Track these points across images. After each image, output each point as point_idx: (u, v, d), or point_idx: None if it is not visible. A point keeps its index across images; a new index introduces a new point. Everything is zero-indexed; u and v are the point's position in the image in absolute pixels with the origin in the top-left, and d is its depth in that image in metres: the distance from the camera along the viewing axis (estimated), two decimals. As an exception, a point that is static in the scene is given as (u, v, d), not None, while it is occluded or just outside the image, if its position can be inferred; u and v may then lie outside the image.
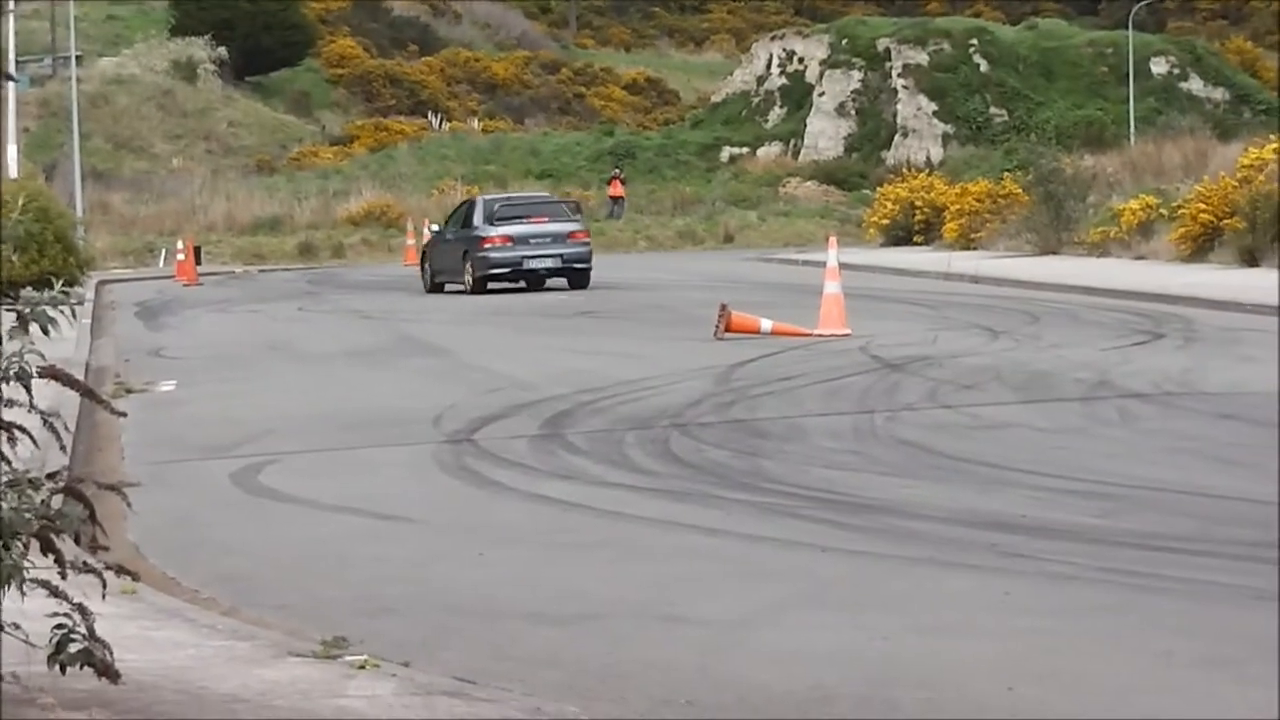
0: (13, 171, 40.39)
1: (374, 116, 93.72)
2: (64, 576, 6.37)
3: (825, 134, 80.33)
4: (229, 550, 11.38)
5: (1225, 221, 35.04)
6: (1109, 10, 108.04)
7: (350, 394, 20.00)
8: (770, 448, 14.47)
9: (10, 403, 6.49)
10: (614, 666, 8.00)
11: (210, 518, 12.63)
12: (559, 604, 9.32)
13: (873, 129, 79.87)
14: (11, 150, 41.89)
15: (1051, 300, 30.11)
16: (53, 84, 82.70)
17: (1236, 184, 35.63)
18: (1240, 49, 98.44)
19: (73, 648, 6.37)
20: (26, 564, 6.33)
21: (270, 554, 11.16)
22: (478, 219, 38.50)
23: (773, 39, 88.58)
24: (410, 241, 54.22)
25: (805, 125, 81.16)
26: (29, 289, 6.66)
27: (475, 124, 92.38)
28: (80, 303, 25.88)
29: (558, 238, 38.30)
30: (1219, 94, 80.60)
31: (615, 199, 69.28)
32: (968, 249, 46.01)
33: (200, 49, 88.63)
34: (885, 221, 53.16)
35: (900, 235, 52.10)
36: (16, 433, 6.56)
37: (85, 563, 6.56)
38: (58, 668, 6.40)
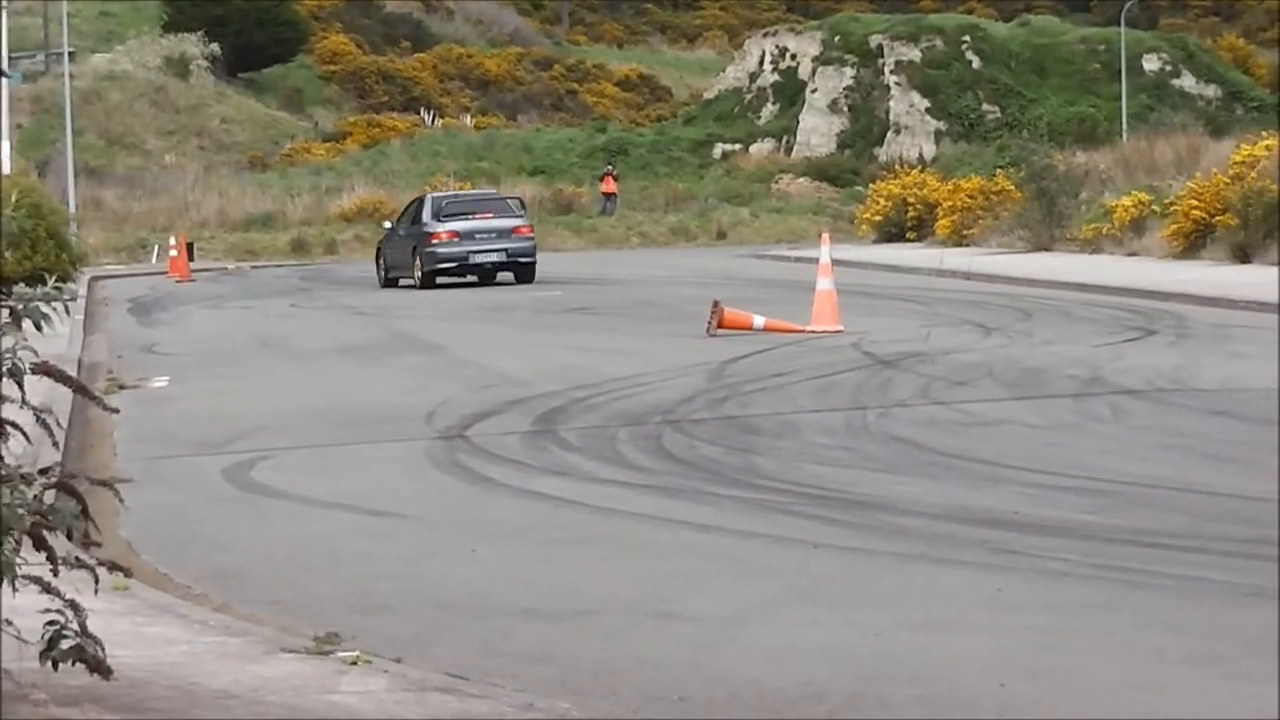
0: (6, 168, 40.34)
1: (366, 113, 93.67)
2: (56, 572, 6.37)
3: (818, 130, 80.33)
4: (221, 546, 11.38)
5: (1217, 218, 35.08)
6: (1101, 7, 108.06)
7: (343, 390, 20.00)
8: (763, 444, 14.47)
9: (3, 399, 6.49)
10: (606, 663, 8.00)
11: (203, 514, 12.63)
12: (551, 600, 9.32)
13: (865, 125, 79.87)
14: (4, 146, 41.83)
15: (1044, 297, 30.13)
16: (45, 80, 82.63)
17: (1229, 181, 35.68)
18: (1232, 45, 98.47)
19: (65, 644, 6.37)
20: (19, 560, 6.32)
21: (263, 550, 11.16)
22: (426, 216, 39.87)
23: (765, 35, 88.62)
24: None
25: (798, 122, 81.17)
26: (21, 285, 6.64)
27: (468, 120, 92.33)
28: (73, 299, 25.85)
29: (502, 233, 39.61)
30: (1211, 91, 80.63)
31: (608, 195, 69.25)
32: (960, 245, 46.04)
33: (193, 45, 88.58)
34: (878, 218, 53.19)
35: (893, 232, 52.13)
36: (9, 428, 6.56)
37: (77, 558, 6.56)
38: (50, 664, 6.40)
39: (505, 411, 17.11)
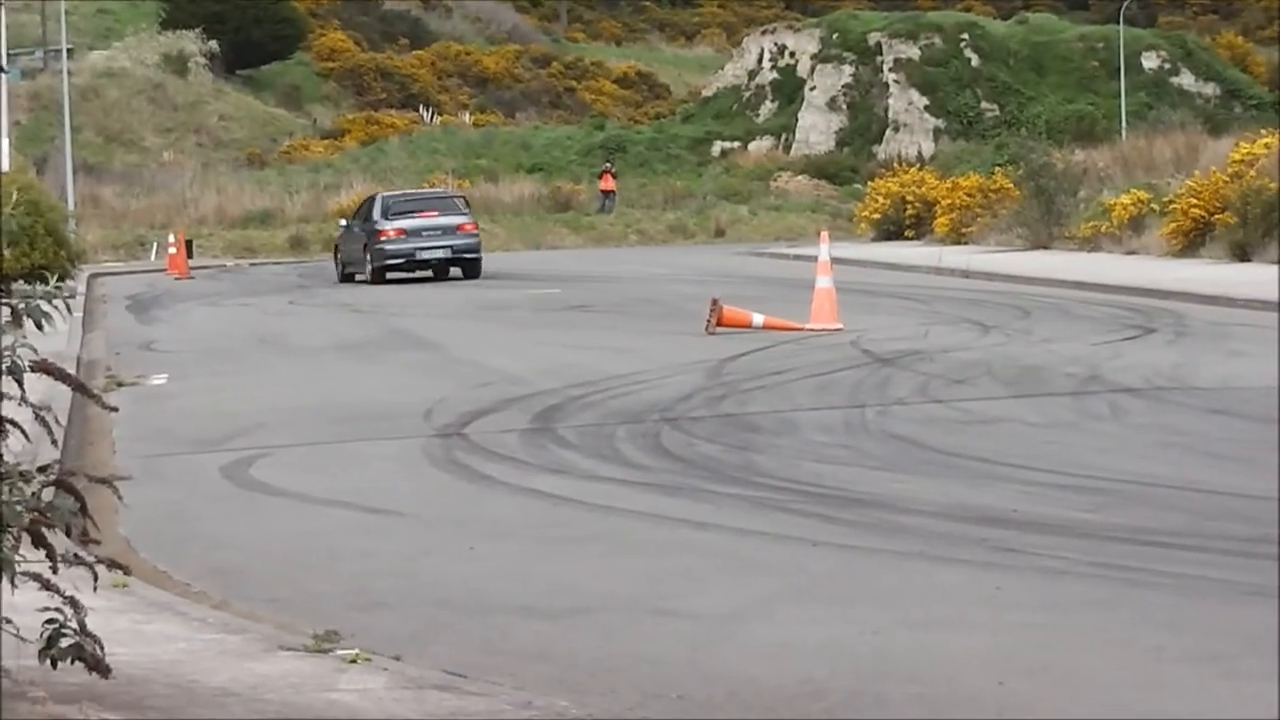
0: (4, 165, 40.29)
1: (365, 110, 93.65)
2: (55, 570, 6.36)
3: (816, 128, 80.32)
4: (220, 544, 11.38)
5: (1216, 216, 35.05)
6: (1099, 5, 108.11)
7: (341, 388, 20.00)
8: (761, 442, 14.47)
9: (2, 396, 6.49)
10: (604, 660, 8.00)
11: (201, 511, 12.63)
12: (549, 598, 9.32)
13: (864, 123, 79.86)
14: (3, 143, 41.78)
15: (1042, 295, 30.12)
16: (44, 77, 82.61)
17: (1228, 179, 35.65)
18: (1231, 44, 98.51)
19: (64, 642, 6.36)
20: (18, 557, 6.32)
21: (261, 548, 11.16)
22: (376, 213, 41.47)
23: (764, 33, 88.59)
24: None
25: (796, 120, 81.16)
26: (21, 282, 6.63)
27: (466, 118, 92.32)
28: (73, 296, 25.80)
29: (447, 230, 41.15)
30: (1210, 89, 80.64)
31: (606, 193, 69.25)
32: (959, 244, 46.01)
33: (191, 42, 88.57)
34: (876, 216, 53.15)
35: (891, 230, 52.10)
36: (8, 426, 6.55)
37: (76, 556, 6.56)
38: (49, 662, 6.40)
39: (503, 409, 17.11)
